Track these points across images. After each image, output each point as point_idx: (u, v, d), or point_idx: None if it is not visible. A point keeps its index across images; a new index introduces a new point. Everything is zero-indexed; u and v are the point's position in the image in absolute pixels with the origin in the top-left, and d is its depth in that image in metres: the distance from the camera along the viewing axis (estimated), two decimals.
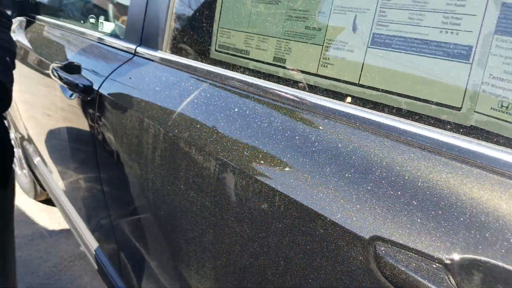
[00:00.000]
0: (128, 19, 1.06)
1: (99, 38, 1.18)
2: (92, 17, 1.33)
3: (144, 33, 0.98)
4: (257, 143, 0.59)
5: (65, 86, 1.13)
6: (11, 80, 0.91)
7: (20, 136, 2.25)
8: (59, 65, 1.20)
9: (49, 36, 1.57)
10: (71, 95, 1.14)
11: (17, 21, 1.88)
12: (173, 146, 0.74)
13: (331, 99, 0.56)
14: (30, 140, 2.06)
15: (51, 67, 1.23)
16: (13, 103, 1.87)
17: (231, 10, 0.74)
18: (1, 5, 1.01)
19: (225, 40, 0.76)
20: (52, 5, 1.78)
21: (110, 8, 1.33)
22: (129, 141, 0.87)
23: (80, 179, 1.37)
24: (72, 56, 1.27)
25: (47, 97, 1.52)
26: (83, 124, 1.13)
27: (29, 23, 1.79)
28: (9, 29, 1.01)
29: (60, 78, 1.20)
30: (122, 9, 1.27)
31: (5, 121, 1.08)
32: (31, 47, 1.67)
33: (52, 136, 1.58)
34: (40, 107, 1.65)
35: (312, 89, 0.59)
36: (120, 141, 0.92)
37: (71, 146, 1.36)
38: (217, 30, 0.77)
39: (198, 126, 0.69)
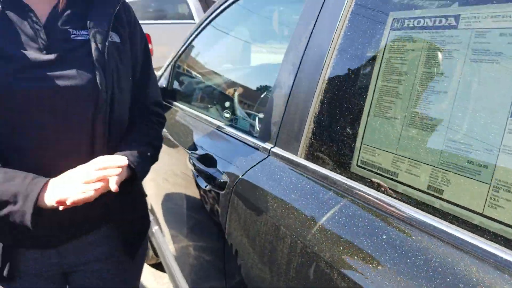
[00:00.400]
0: (264, 118, 1.12)
1: (234, 133, 1.27)
2: (227, 112, 1.44)
3: (280, 135, 1.02)
4: (412, 284, 0.55)
5: (201, 177, 1.21)
6: (144, 173, 1.00)
7: None
8: (196, 155, 1.30)
9: (185, 123, 1.73)
10: (205, 186, 1.21)
11: None
12: (312, 263, 0.73)
13: (503, 248, 0.51)
14: (152, 211, 2.22)
15: (188, 156, 1.34)
16: None
17: (377, 129, 0.74)
18: (160, 106, 1.14)
19: (369, 157, 0.75)
20: (188, 94, 1.97)
21: (245, 104, 1.43)
22: (262, 244, 0.89)
23: (201, 261, 1.41)
24: (206, 145, 1.37)
25: (176, 178, 1.64)
26: (213, 211, 1.19)
27: (165, 107, 2.00)
28: (162, 126, 1.15)
29: (195, 166, 1.29)
30: (258, 106, 1.36)
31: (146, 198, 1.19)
32: (166, 130, 1.84)
33: (176, 213, 1.69)
34: (168, 184, 1.78)
35: (477, 230, 0.55)
36: (252, 242, 0.94)
37: (196, 227, 1.43)
38: (360, 145, 0.77)
39: (341, 248, 0.67)
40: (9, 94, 0.84)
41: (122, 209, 1.04)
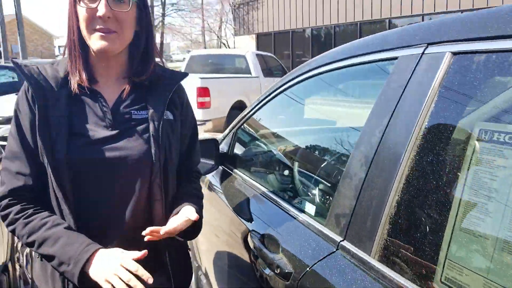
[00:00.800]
0: (334, 205, 1.08)
1: (299, 215, 1.24)
2: (292, 190, 1.42)
3: (350, 227, 0.98)
4: None
5: (263, 260, 1.19)
6: (201, 222, 1.19)
7: (196, 265, 2.43)
8: (257, 234, 1.29)
9: (245, 193, 1.73)
10: (269, 272, 1.18)
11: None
12: None
13: None
14: (206, 275, 2.19)
15: (249, 233, 1.32)
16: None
17: (464, 246, 0.70)
18: (196, 168, 1.37)
19: (455, 275, 0.70)
20: (250, 163, 1.98)
21: (313, 186, 1.41)
22: None
23: None
24: (268, 223, 1.36)
25: (233, 248, 1.62)
26: None
27: (225, 172, 2.02)
28: (199, 179, 1.38)
29: (255, 245, 1.27)
30: (326, 189, 1.34)
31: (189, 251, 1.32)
32: (224, 198, 1.86)
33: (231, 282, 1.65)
34: (224, 251, 1.76)
35: None
36: None
37: None
38: (445, 260, 0.73)
39: None
40: (81, 162, 1.06)
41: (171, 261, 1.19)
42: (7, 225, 1.07)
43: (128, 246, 1.02)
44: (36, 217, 1.05)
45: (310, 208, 1.30)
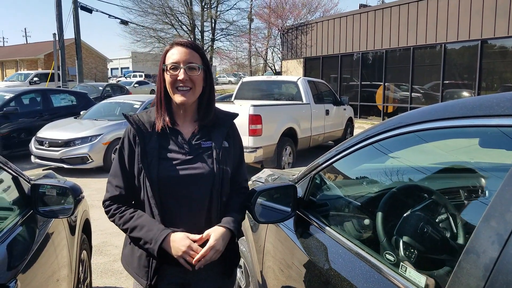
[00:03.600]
0: (453, 280, 0.98)
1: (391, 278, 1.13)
2: (388, 253, 1.32)
3: None
4: None
5: None
6: (239, 233, 1.65)
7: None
8: None
9: (325, 244, 1.64)
10: None
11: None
12: None
13: None
14: None
15: None
16: (254, 253, 1.99)
17: None
18: (246, 181, 1.82)
19: None
20: (328, 212, 1.89)
21: (409, 251, 1.30)
22: None
23: None
24: (350, 278, 1.26)
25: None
26: None
27: (299, 218, 1.94)
28: (247, 191, 1.80)
29: None
30: (430, 264, 1.22)
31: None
32: (300, 245, 1.77)
33: None
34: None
35: None
36: None
37: None
38: None
39: None
40: (169, 178, 1.54)
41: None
42: (109, 217, 1.60)
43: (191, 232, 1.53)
44: (126, 212, 1.57)
45: (407, 275, 1.18)
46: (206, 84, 1.63)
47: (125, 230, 1.58)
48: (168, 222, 1.54)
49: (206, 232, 1.53)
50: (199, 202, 1.57)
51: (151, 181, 1.52)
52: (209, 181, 1.57)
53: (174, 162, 1.55)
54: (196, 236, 1.51)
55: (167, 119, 1.59)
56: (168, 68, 1.55)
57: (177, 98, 1.56)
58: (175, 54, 1.56)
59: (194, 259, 1.47)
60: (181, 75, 1.53)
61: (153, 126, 1.59)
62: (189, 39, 1.64)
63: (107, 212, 1.62)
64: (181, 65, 1.54)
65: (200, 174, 1.56)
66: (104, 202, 1.63)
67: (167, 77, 1.56)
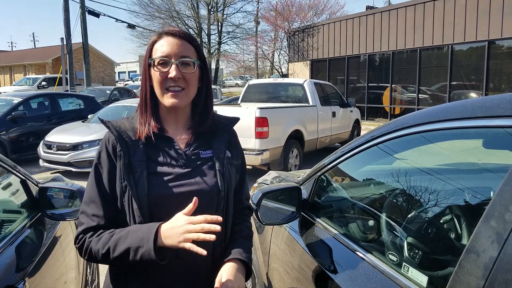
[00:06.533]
0: (454, 280, 0.98)
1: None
2: (391, 254, 1.32)
3: None
4: None
5: None
6: (251, 263, 1.35)
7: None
8: None
9: (327, 243, 1.65)
10: None
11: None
12: None
13: None
14: None
15: None
16: (260, 255, 2.00)
17: None
18: (248, 199, 1.56)
19: None
20: (333, 213, 1.90)
21: (414, 253, 1.30)
22: None
23: None
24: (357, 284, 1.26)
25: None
26: None
27: (304, 219, 1.95)
28: (251, 215, 1.55)
29: None
30: (433, 264, 1.23)
31: None
32: (305, 247, 1.78)
33: None
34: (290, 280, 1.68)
35: None
36: None
37: None
38: None
39: None
40: (162, 198, 1.24)
41: None
42: (84, 252, 1.23)
43: (192, 262, 1.26)
44: (104, 233, 1.23)
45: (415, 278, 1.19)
46: (202, 84, 1.35)
47: (106, 255, 1.20)
48: (161, 248, 1.18)
49: (218, 278, 1.25)
50: None
51: (140, 202, 1.21)
52: (212, 199, 1.29)
53: (167, 178, 1.25)
54: (190, 206, 1.17)
55: (153, 123, 1.30)
56: (156, 63, 1.27)
57: (167, 100, 1.27)
58: (165, 46, 1.27)
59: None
60: (172, 72, 1.24)
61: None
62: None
63: (80, 247, 1.24)
64: (172, 60, 1.25)
65: (200, 191, 1.26)
66: (76, 237, 1.26)
67: (155, 74, 1.27)
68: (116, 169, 1.25)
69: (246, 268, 1.32)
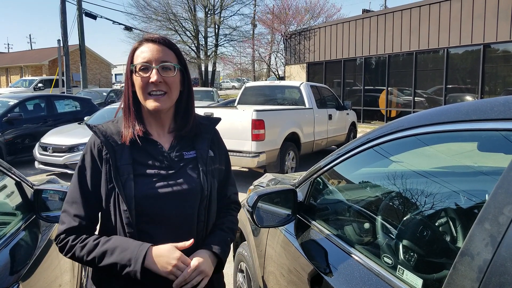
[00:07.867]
0: (448, 283, 0.98)
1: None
2: (387, 256, 1.32)
3: None
4: None
5: None
6: (226, 257, 1.40)
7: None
8: None
9: (322, 246, 1.65)
10: None
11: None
12: None
13: None
14: None
15: None
16: (255, 258, 1.99)
17: None
18: (236, 194, 1.60)
19: None
20: (329, 216, 1.90)
21: (409, 257, 1.31)
22: None
23: None
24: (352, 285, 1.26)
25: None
26: None
27: (300, 222, 1.95)
28: (238, 211, 1.60)
29: None
30: (428, 267, 1.23)
31: None
32: (301, 250, 1.78)
33: None
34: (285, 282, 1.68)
35: None
36: None
37: None
38: None
39: None
40: (149, 199, 1.30)
41: None
42: (66, 253, 1.30)
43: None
44: (89, 239, 1.28)
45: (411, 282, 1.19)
46: (184, 88, 1.41)
47: (91, 262, 1.26)
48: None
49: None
50: (185, 225, 1.34)
51: (128, 203, 1.27)
52: (196, 198, 1.35)
53: (152, 179, 1.32)
54: (186, 243, 1.27)
55: (137, 127, 1.35)
56: (137, 69, 1.32)
57: (150, 104, 1.32)
58: (145, 52, 1.32)
59: (174, 283, 1.23)
60: (153, 76, 1.30)
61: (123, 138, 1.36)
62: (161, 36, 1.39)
63: (62, 248, 1.30)
64: (153, 65, 1.31)
65: (185, 191, 1.34)
66: (57, 236, 1.31)
67: (137, 80, 1.33)
68: (100, 172, 1.32)
69: (218, 260, 1.37)
